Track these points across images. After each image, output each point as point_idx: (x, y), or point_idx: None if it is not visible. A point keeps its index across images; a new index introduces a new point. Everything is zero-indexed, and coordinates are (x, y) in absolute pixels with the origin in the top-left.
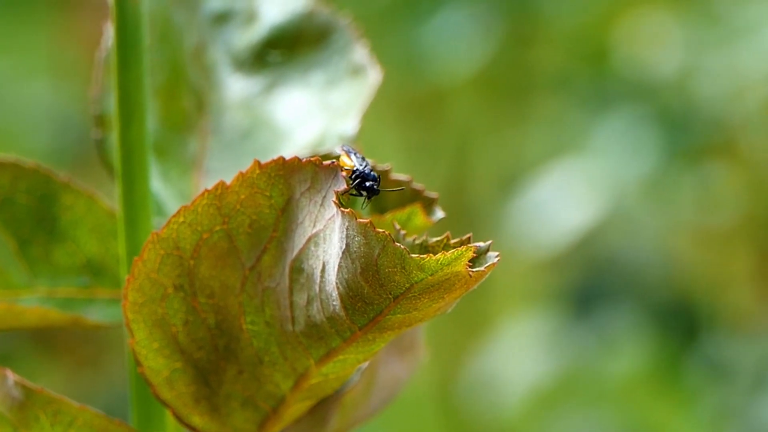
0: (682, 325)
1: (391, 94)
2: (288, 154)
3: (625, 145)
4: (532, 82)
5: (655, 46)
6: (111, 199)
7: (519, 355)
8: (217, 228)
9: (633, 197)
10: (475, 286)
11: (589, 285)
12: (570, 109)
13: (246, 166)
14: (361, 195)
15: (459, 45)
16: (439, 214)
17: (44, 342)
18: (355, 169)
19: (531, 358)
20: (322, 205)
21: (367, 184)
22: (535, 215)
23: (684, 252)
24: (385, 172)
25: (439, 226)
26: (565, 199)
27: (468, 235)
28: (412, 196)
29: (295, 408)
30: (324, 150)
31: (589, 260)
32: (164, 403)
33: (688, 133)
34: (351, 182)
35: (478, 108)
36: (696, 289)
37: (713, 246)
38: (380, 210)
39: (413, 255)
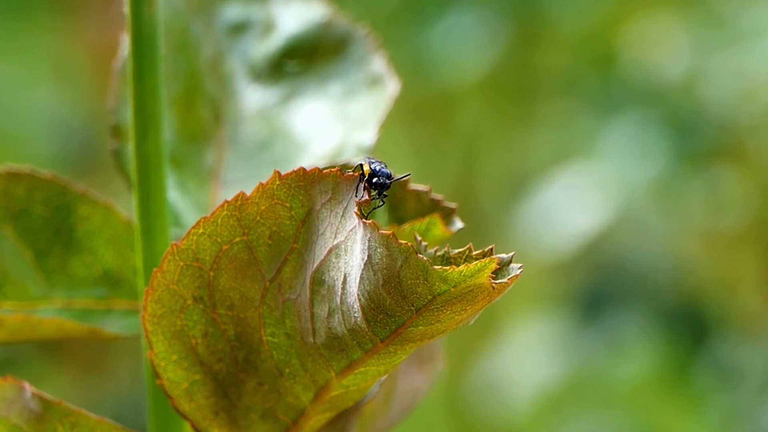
0: (691, 328)
1: (398, 98)
2: (306, 165)
3: (633, 148)
4: (540, 85)
5: (662, 49)
6: (127, 209)
7: (527, 358)
8: (237, 239)
9: (641, 201)
10: (498, 298)
11: (597, 288)
12: (578, 113)
13: (263, 176)
14: (374, 192)
15: (466, 48)
16: (458, 224)
17: (50, 347)
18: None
19: (539, 361)
20: (343, 216)
21: (374, 180)
22: (544, 219)
23: (693, 255)
24: (404, 182)
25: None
26: (574, 202)
27: (490, 247)
28: (430, 207)
29: (316, 420)
30: (342, 160)
31: (597, 264)
32: (183, 416)
33: (696, 136)
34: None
35: (486, 111)
36: (705, 293)
37: (722, 249)
38: (399, 220)
39: (436, 267)
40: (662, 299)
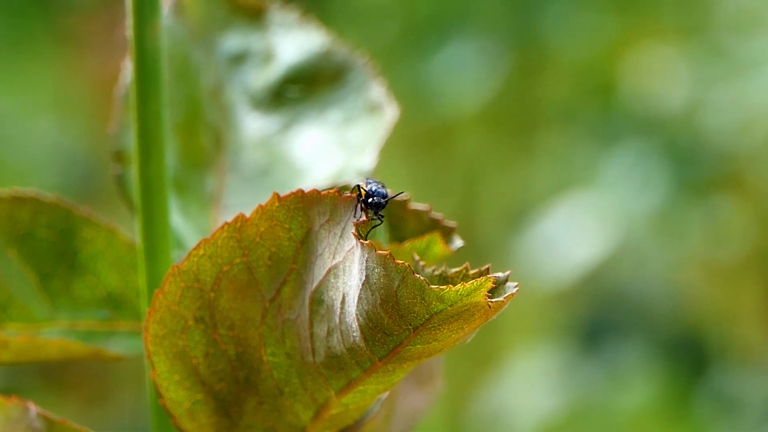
0: (692, 358)
1: (399, 128)
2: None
3: (633, 178)
4: (539, 115)
5: (662, 79)
6: (130, 231)
7: (528, 388)
8: (237, 260)
9: (641, 231)
10: (494, 317)
11: (598, 318)
12: (577, 143)
13: (264, 202)
14: (371, 212)
15: (466, 79)
16: (458, 242)
17: (53, 377)
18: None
19: (540, 391)
20: (341, 237)
21: (369, 200)
22: (544, 249)
23: (693, 285)
24: (404, 202)
25: (448, 260)
26: (574, 232)
27: (487, 266)
28: (430, 225)
29: None
30: (342, 182)
31: (598, 294)
32: None
33: (695, 166)
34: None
35: (486, 141)
36: (705, 323)
37: (722, 279)
38: (400, 240)
39: (433, 286)
40: (662, 329)
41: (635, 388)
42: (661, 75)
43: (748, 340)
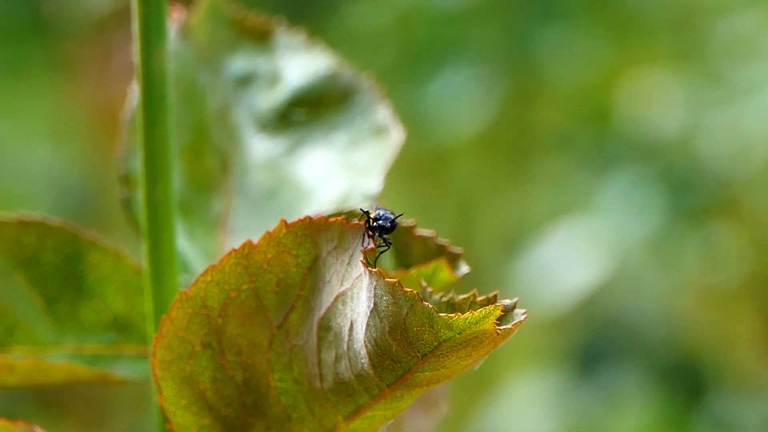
0: (688, 384)
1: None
2: (312, 213)
3: (629, 204)
4: (535, 141)
5: (657, 105)
6: (136, 256)
7: (525, 413)
8: (245, 287)
9: (637, 257)
10: (503, 344)
11: (594, 344)
12: (573, 169)
13: (270, 225)
14: (376, 235)
15: (462, 105)
16: (464, 269)
17: (51, 401)
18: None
19: (537, 416)
20: (349, 263)
21: (375, 224)
22: (540, 275)
23: (689, 311)
24: (410, 229)
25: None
26: (569, 258)
27: (494, 293)
28: (436, 251)
29: None
30: (348, 207)
31: (594, 319)
32: None
33: (691, 192)
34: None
35: (482, 167)
36: (701, 348)
37: (718, 305)
38: (406, 266)
39: (441, 314)
40: (659, 355)
41: (632, 413)
42: (656, 101)
43: (744, 366)
